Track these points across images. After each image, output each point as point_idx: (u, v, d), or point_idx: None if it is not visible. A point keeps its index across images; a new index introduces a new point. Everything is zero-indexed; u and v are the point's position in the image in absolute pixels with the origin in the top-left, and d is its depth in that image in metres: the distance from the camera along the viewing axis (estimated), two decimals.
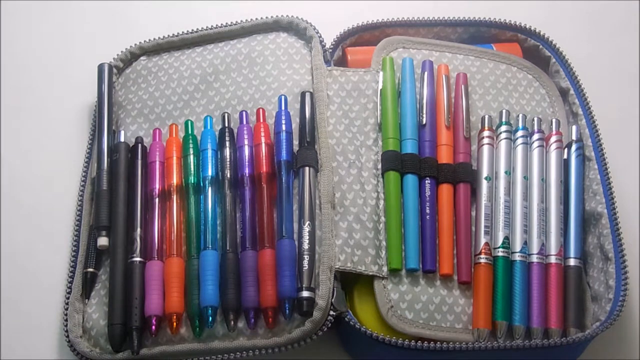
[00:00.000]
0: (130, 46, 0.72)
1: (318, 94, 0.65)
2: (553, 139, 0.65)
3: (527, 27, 0.71)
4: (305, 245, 0.58)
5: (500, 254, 0.60)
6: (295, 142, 0.64)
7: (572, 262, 0.61)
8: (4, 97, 0.74)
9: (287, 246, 0.58)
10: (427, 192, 0.63)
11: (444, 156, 0.64)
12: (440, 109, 0.66)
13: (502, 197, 0.62)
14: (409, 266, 0.60)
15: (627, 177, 0.70)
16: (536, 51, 0.72)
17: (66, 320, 0.60)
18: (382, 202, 0.62)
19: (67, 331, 0.60)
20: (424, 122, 0.65)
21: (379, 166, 0.63)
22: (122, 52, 0.72)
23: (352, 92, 0.66)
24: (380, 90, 0.66)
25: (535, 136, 0.65)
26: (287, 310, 0.56)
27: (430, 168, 0.63)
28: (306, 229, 0.59)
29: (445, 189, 0.63)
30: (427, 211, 0.62)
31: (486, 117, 0.66)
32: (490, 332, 0.58)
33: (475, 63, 0.69)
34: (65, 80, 0.75)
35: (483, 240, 0.61)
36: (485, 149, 0.64)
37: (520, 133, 0.65)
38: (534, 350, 0.57)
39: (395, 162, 0.63)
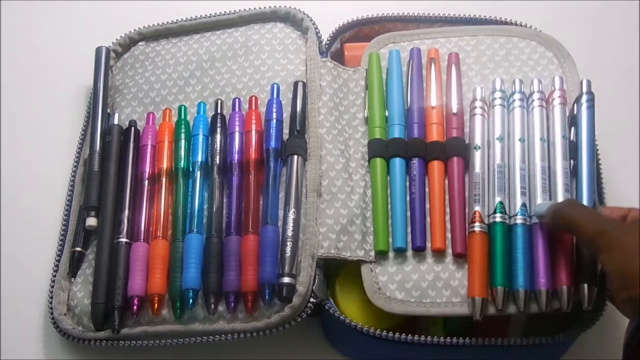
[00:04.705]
0: (130, 31, 0.73)
1: (311, 84, 0.65)
2: (556, 94, 0.62)
3: (528, 26, 0.70)
4: (289, 232, 0.58)
5: (497, 219, 0.58)
6: (286, 131, 0.64)
7: None
8: (2, 77, 0.76)
9: (270, 232, 0.59)
10: (414, 172, 0.62)
11: (435, 134, 0.63)
12: (428, 91, 0.65)
13: (495, 163, 0.60)
14: (395, 246, 0.59)
15: (626, 180, 0.70)
16: None
17: (51, 297, 0.61)
18: (369, 191, 0.62)
19: (51, 308, 0.61)
20: (408, 106, 0.64)
21: (367, 157, 0.64)
22: (121, 36, 0.73)
23: (342, 88, 0.67)
24: (366, 86, 0.66)
25: (535, 95, 0.63)
26: (267, 296, 0.57)
27: (415, 148, 0.62)
28: (291, 216, 0.59)
29: (436, 166, 0.62)
30: (414, 190, 0.61)
31: (478, 88, 0.64)
32: (487, 301, 0.56)
33: (471, 42, 0.68)
34: (65, 63, 0.77)
35: (474, 208, 0.59)
36: (477, 120, 0.63)
37: (516, 96, 0.63)
38: (514, 348, 0.57)
39: (380, 149, 0.63)
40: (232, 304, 0.57)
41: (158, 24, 0.73)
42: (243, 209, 0.61)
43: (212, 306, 0.58)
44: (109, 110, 0.69)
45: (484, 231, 0.58)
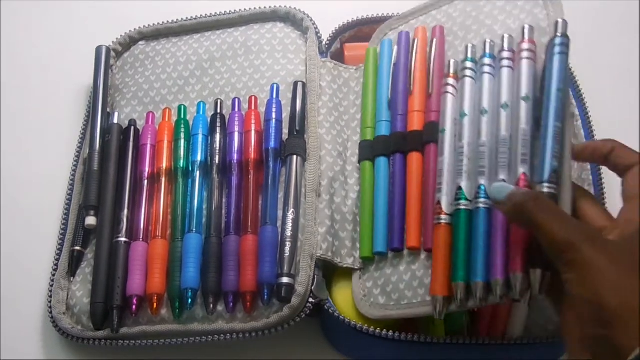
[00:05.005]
0: (130, 30, 0.73)
1: (311, 84, 0.65)
2: (524, 46, 0.55)
3: None
4: (288, 232, 0.58)
5: (459, 207, 0.53)
6: (285, 131, 0.64)
7: (545, 188, 0.49)
8: (2, 77, 0.76)
9: (270, 232, 0.59)
10: (392, 169, 0.60)
11: (415, 123, 0.60)
12: (409, 77, 0.62)
13: (456, 144, 0.55)
14: (376, 250, 0.59)
15: None
16: None
17: (50, 296, 0.61)
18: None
19: (50, 307, 0.61)
20: (390, 96, 0.63)
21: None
22: (121, 36, 0.73)
23: (343, 88, 0.67)
24: (363, 83, 0.66)
25: (504, 54, 0.56)
26: (266, 296, 0.57)
27: (397, 143, 0.61)
28: (290, 216, 0.59)
29: (415, 158, 0.59)
30: (392, 189, 0.60)
31: (451, 61, 0.59)
32: (449, 298, 0.52)
33: (459, 6, 0.63)
34: (65, 63, 0.77)
35: (436, 199, 0.55)
36: (447, 99, 0.58)
37: (486, 61, 0.56)
38: (514, 347, 0.56)
39: (367, 150, 0.62)
40: (231, 304, 0.57)
41: (158, 23, 0.73)
42: (242, 209, 0.61)
43: (211, 306, 0.57)
44: (108, 110, 0.69)
45: (447, 223, 0.54)
